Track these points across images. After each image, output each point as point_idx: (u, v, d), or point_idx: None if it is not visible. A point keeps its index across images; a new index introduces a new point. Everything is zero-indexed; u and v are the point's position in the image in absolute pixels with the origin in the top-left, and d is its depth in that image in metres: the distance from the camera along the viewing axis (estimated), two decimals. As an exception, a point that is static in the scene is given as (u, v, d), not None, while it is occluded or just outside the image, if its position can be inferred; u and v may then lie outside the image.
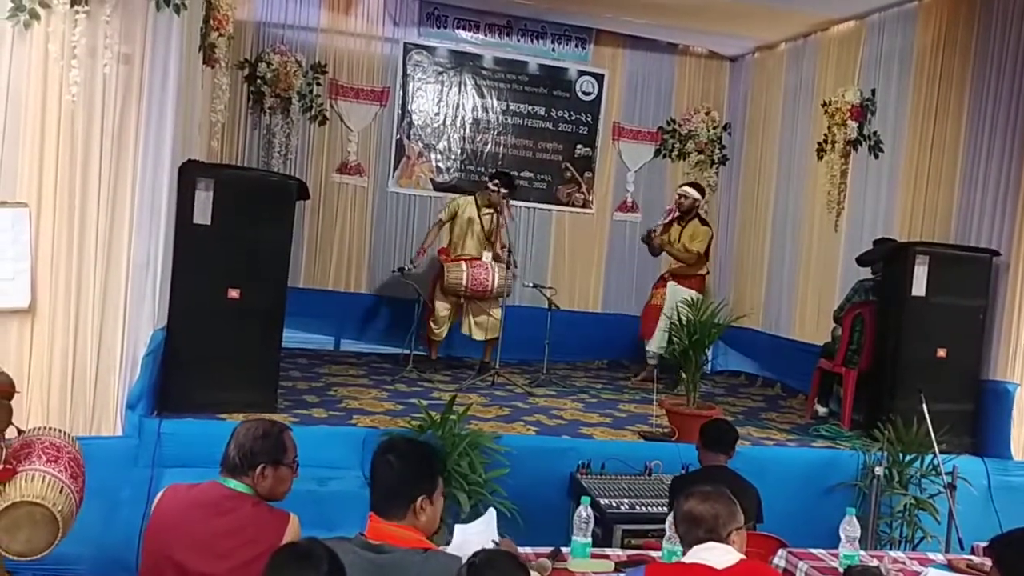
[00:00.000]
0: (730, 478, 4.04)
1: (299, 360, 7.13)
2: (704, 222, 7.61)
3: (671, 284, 7.48)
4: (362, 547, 2.41)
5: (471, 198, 7.40)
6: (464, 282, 7.06)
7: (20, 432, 3.02)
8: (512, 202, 7.62)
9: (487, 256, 7.25)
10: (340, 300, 8.09)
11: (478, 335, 7.33)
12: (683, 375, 5.85)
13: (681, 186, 7.89)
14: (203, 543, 2.68)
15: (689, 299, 6.21)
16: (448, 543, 2.88)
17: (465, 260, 7.19)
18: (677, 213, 7.64)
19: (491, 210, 7.27)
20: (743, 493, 3.97)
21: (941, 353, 5.71)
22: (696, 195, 7.59)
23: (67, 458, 2.99)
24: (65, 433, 3.14)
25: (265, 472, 2.78)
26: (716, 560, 2.50)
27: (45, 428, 3.19)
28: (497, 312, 7.20)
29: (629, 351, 8.28)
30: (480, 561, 2.21)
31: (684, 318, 5.65)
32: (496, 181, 7.30)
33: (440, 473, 2.66)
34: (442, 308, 7.28)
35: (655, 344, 7.39)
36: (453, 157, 8.46)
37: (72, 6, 4.24)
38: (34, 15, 4.25)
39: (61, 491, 2.86)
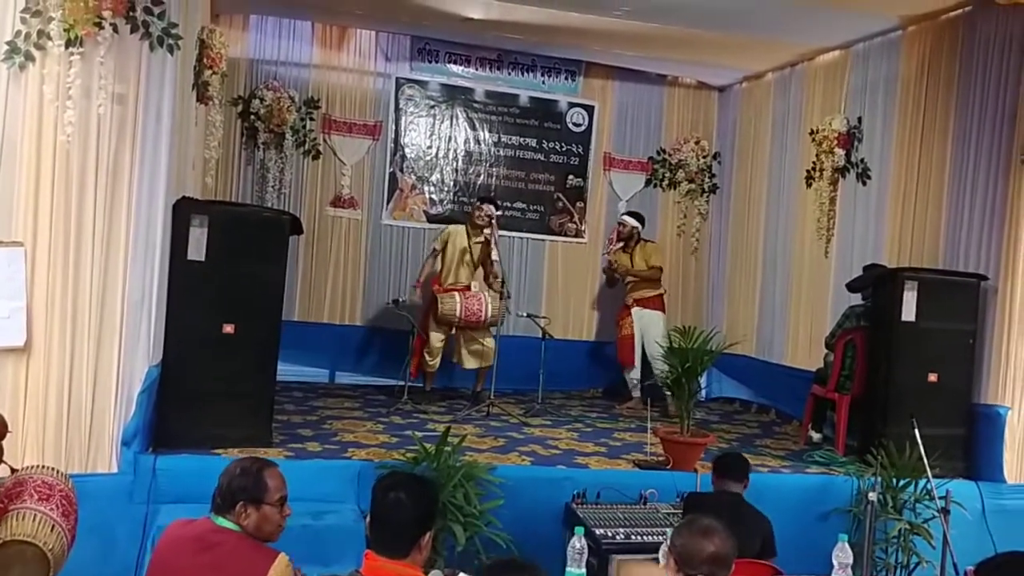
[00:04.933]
0: (742, 507, 4.08)
1: (294, 393, 7.14)
2: (649, 240, 8.07)
3: (636, 310, 7.86)
4: None
5: (462, 227, 7.46)
6: (458, 313, 7.11)
7: (13, 471, 3.02)
8: (505, 232, 7.69)
9: (476, 286, 7.30)
10: (334, 333, 8.11)
11: (470, 364, 7.37)
12: (670, 400, 5.91)
13: (621, 215, 8.22)
14: None
15: (663, 324, 6.42)
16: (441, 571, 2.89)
17: (458, 290, 7.24)
18: (620, 243, 7.97)
19: (482, 240, 7.32)
20: (753, 524, 4.00)
21: (932, 378, 5.74)
22: (634, 223, 7.98)
23: (59, 496, 2.98)
24: (58, 471, 3.14)
25: (247, 510, 2.76)
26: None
27: (38, 466, 3.18)
28: (490, 341, 7.25)
29: (623, 379, 8.30)
30: (495, 564, 2.25)
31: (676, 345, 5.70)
32: (478, 203, 7.45)
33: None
34: (436, 339, 7.31)
35: (639, 371, 7.65)
36: (446, 189, 8.52)
37: (67, 48, 4.31)
38: (29, 57, 4.31)
39: (52, 529, 2.85)
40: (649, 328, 7.66)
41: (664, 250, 8.48)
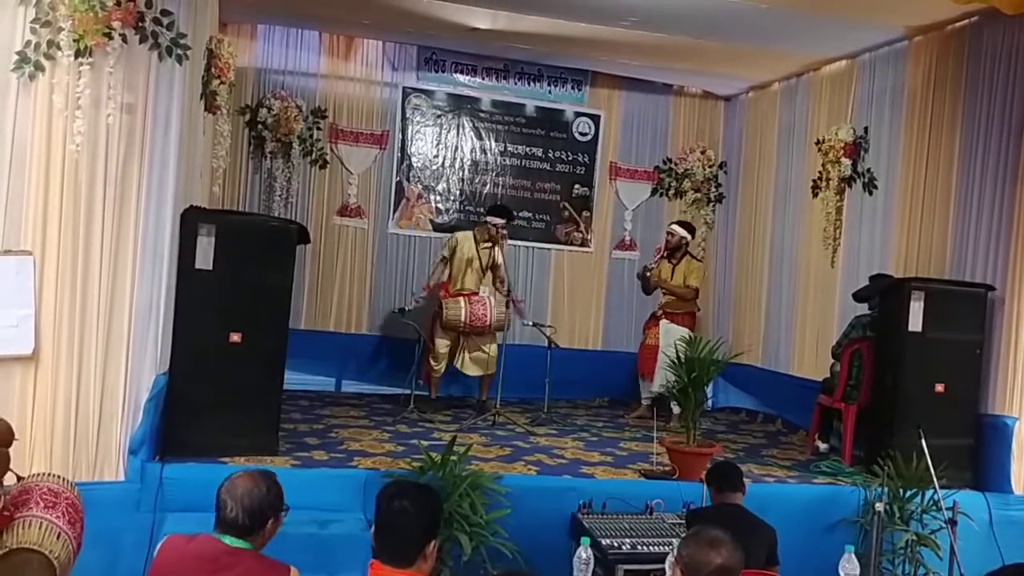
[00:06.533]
0: (746, 518, 4.06)
1: (300, 402, 7.15)
2: (696, 258, 7.86)
3: (663, 322, 7.60)
4: None
5: (470, 233, 7.49)
6: (463, 318, 7.13)
7: (19, 479, 3.04)
8: (511, 241, 7.69)
9: (484, 291, 7.31)
10: (341, 341, 8.13)
11: (473, 371, 7.37)
12: (675, 410, 5.87)
13: (671, 224, 8.05)
14: None
15: (685, 337, 6.29)
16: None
17: (464, 296, 7.26)
18: (665, 252, 7.82)
19: (489, 244, 7.34)
20: (758, 534, 3.98)
21: (939, 388, 5.72)
22: (684, 233, 7.81)
23: (65, 504, 2.99)
24: (64, 479, 3.15)
25: (275, 522, 2.78)
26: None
27: (44, 474, 3.19)
28: (493, 348, 7.26)
29: (629, 388, 8.29)
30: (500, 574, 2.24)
31: (682, 356, 5.67)
32: (494, 217, 7.39)
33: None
34: (442, 344, 7.33)
35: (657, 383, 7.49)
36: (452, 198, 8.54)
37: (76, 58, 4.35)
38: (39, 67, 4.35)
39: (58, 537, 2.85)
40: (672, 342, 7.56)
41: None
